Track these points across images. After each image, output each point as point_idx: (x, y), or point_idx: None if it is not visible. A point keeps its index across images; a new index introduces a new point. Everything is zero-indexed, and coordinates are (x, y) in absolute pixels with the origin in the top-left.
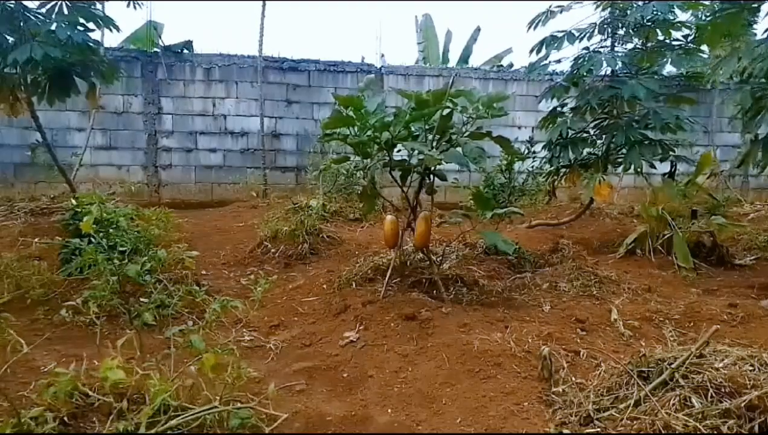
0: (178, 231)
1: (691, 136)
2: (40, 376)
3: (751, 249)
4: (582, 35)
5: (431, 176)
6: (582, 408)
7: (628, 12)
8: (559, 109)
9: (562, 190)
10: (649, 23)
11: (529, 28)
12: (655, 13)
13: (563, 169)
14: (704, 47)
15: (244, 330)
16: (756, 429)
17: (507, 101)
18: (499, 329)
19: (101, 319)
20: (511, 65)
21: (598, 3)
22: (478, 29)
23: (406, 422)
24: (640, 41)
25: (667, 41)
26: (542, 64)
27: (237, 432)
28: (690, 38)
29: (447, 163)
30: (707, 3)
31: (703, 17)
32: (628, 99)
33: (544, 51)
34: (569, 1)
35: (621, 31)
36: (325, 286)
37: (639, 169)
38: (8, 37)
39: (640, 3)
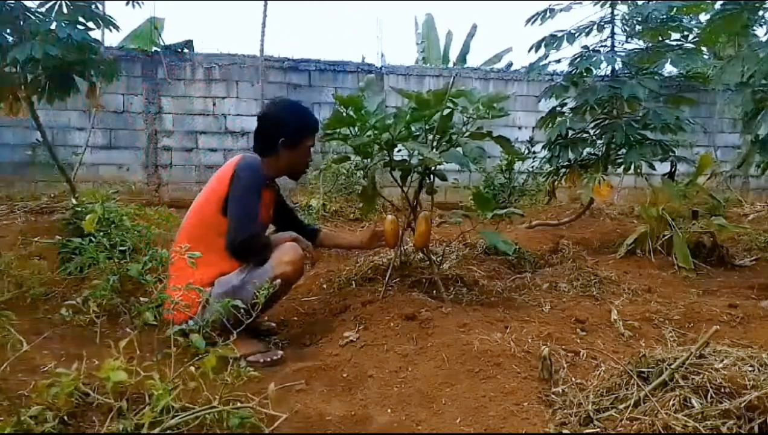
0: None
1: (692, 137)
2: (40, 375)
3: (751, 250)
4: (580, 33)
5: (431, 176)
6: (582, 408)
7: (628, 8)
8: (558, 108)
9: (562, 191)
10: (659, 24)
11: (528, 23)
12: (665, 15)
13: (563, 169)
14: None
15: None
16: (756, 429)
17: (507, 101)
18: (499, 329)
19: (101, 318)
20: (510, 64)
21: (598, 2)
22: (475, 26)
23: (406, 422)
24: (642, 41)
25: (667, 42)
26: (542, 64)
27: (236, 432)
28: (690, 38)
29: (447, 163)
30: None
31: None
32: (627, 99)
33: (543, 51)
34: (569, 1)
35: (628, 28)
36: (325, 285)
37: (639, 169)
38: (8, 36)
39: (644, 3)
